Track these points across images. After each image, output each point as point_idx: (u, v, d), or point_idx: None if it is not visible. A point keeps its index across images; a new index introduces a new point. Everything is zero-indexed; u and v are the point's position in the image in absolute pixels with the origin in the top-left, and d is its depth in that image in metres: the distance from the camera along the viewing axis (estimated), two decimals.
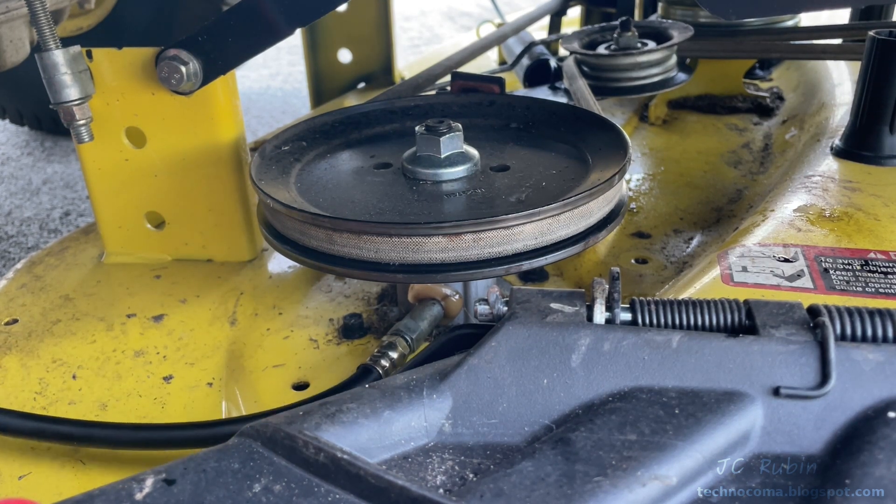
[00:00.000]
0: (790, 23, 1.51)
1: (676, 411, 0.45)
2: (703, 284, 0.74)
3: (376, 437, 0.45)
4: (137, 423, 0.74)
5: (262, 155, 0.84)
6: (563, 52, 1.57)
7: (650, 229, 1.09)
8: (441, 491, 0.43)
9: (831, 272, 0.73)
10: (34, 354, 0.84)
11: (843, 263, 0.74)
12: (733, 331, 0.49)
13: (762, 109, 1.51)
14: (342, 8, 1.65)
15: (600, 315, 0.50)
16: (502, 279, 0.92)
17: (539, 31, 1.91)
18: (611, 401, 0.46)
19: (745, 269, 0.74)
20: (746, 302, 0.50)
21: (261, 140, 1.33)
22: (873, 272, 0.73)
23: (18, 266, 1.02)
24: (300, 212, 0.71)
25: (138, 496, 0.39)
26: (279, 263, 0.99)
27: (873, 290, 0.70)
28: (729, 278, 0.73)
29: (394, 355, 0.73)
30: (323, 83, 1.76)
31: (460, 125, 0.81)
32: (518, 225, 0.68)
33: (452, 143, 0.80)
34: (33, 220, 2.00)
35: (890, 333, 0.47)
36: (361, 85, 1.77)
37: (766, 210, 0.88)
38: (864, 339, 0.47)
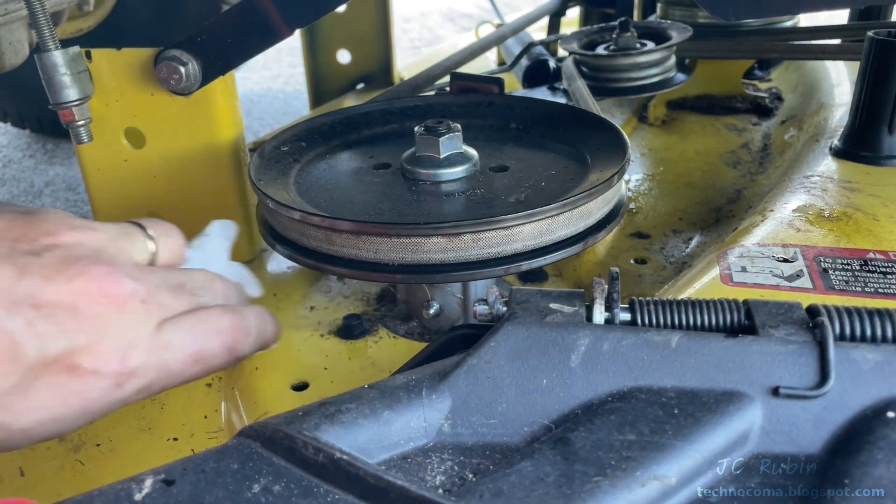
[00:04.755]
0: (789, 23, 1.51)
1: (676, 411, 0.45)
2: (703, 284, 0.74)
3: (375, 437, 0.45)
4: None
5: (261, 155, 0.84)
6: (561, 52, 1.57)
7: (649, 229, 1.09)
8: (440, 491, 0.43)
9: (830, 272, 0.73)
10: None
11: (842, 263, 0.74)
12: (732, 331, 0.49)
13: (761, 110, 1.51)
14: (341, 8, 1.65)
15: (599, 315, 0.50)
16: (501, 279, 0.92)
17: (538, 31, 1.91)
18: (610, 401, 0.46)
19: (744, 270, 0.74)
20: (746, 302, 0.50)
21: (260, 141, 1.33)
22: (872, 272, 0.73)
23: None
24: (299, 212, 0.71)
25: (137, 497, 0.39)
26: (278, 264, 0.99)
27: (872, 289, 0.70)
28: (728, 278, 0.73)
29: None
30: (322, 84, 1.76)
31: (459, 126, 0.81)
32: (517, 225, 0.68)
33: (451, 143, 0.80)
34: None
35: (889, 333, 0.47)
36: (360, 85, 1.77)
37: (765, 210, 0.88)
38: (863, 338, 0.47)
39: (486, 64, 1.82)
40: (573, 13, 1.93)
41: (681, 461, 0.42)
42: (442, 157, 0.80)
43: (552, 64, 1.34)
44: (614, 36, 1.27)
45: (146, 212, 0.98)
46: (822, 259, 0.75)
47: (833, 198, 0.88)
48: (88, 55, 0.88)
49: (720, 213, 1.13)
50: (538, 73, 1.35)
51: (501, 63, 1.72)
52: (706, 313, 0.50)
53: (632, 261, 1.01)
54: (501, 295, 0.53)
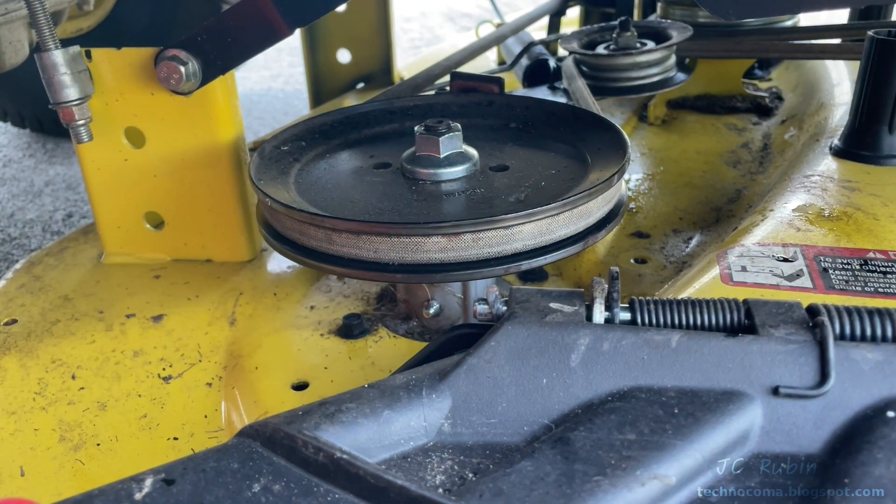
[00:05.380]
0: (789, 23, 1.51)
1: (676, 411, 0.45)
2: (703, 284, 0.74)
3: (375, 436, 0.45)
4: None
5: (261, 155, 0.84)
6: (562, 52, 1.57)
7: (649, 229, 1.09)
8: (440, 490, 0.43)
9: (830, 272, 0.73)
10: (33, 355, 0.84)
11: (842, 263, 0.74)
12: (732, 330, 0.49)
13: (761, 109, 1.51)
14: (341, 8, 1.65)
15: (599, 315, 0.50)
16: (501, 279, 0.92)
17: (538, 31, 1.91)
18: (610, 400, 0.46)
19: (744, 269, 0.74)
20: (746, 301, 0.50)
21: (260, 140, 1.33)
22: (872, 272, 0.73)
23: (17, 266, 1.02)
24: (299, 211, 0.71)
25: (137, 496, 0.39)
26: (278, 263, 0.99)
27: (872, 289, 0.70)
28: (728, 278, 0.73)
29: None
30: (322, 83, 1.76)
31: (459, 125, 0.81)
32: (517, 225, 0.68)
33: (451, 142, 0.80)
34: (36, 221, 2.00)
35: (889, 333, 0.47)
36: (360, 85, 1.77)
37: (766, 210, 0.88)
38: (863, 338, 0.47)
39: (486, 63, 1.82)
40: (573, 13, 1.93)
41: (681, 461, 0.42)
42: (442, 156, 0.79)
43: (552, 63, 1.34)
44: (614, 35, 1.27)
45: (146, 211, 0.98)
46: (822, 258, 0.75)
47: (833, 197, 0.88)
48: (88, 55, 0.88)
49: (720, 212, 1.13)
50: (538, 73, 1.35)
51: (501, 62, 1.72)
52: (706, 313, 0.50)
53: (632, 260, 1.01)
54: (501, 294, 0.53)
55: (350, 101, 1.69)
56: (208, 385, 0.80)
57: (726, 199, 1.17)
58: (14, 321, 0.90)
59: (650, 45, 1.25)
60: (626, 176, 0.78)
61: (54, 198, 2.15)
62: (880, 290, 0.70)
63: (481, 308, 0.52)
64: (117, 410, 0.77)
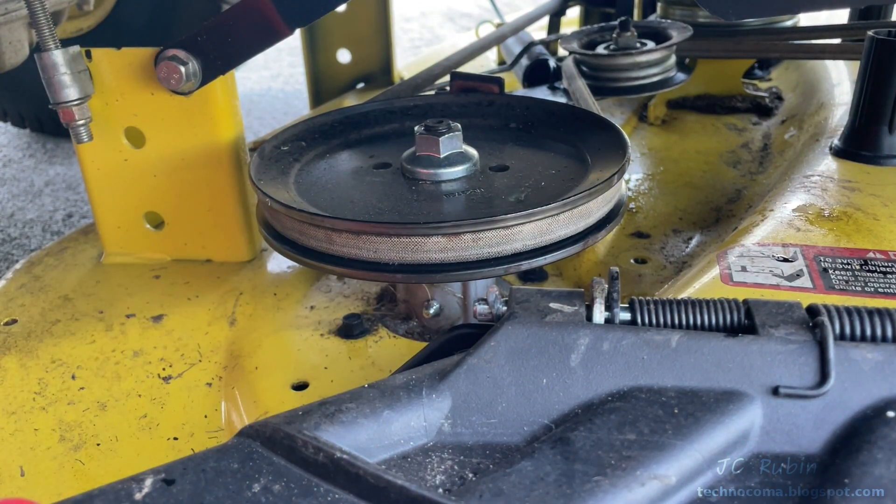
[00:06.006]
0: (789, 23, 1.51)
1: (675, 411, 0.45)
2: (703, 284, 0.74)
3: (375, 436, 0.45)
4: None
5: (261, 155, 0.84)
6: (562, 52, 1.57)
7: (649, 229, 1.09)
8: (440, 490, 0.43)
9: (830, 272, 0.73)
10: (33, 355, 0.84)
11: (842, 263, 0.74)
12: (732, 330, 0.49)
13: (761, 109, 1.51)
14: (341, 8, 1.65)
15: (599, 315, 0.50)
16: (501, 279, 0.92)
17: (538, 31, 1.91)
18: (610, 400, 0.46)
19: (744, 269, 0.74)
20: (746, 301, 0.50)
21: (260, 140, 1.33)
22: (872, 272, 0.73)
23: (17, 266, 1.02)
24: (299, 212, 0.71)
25: (137, 496, 0.39)
26: (278, 263, 0.99)
27: (872, 289, 0.70)
28: (728, 278, 0.73)
29: None
30: (322, 83, 1.76)
31: (459, 125, 0.81)
32: (517, 225, 0.68)
33: (451, 143, 0.80)
34: (36, 222, 2.00)
35: (889, 333, 0.47)
36: (360, 85, 1.77)
37: (766, 210, 0.88)
38: (863, 338, 0.47)
39: (486, 63, 1.82)
40: (573, 13, 1.93)
41: (681, 461, 0.42)
42: (442, 156, 0.80)
43: (552, 63, 1.34)
44: (614, 35, 1.27)
45: (146, 211, 0.98)
46: (822, 259, 0.75)
47: (833, 197, 0.88)
48: (88, 55, 0.88)
49: (720, 212, 1.13)
50: (538, 73, 1.35)
51: (501, 62, 1.72)
52: (706, 313, 0.50)
53: (632, 260, 1.01)
54: (501, 294, 0.53)
55: (350, 101, 1.69)
56: (208, 385, 0.80)
57: (726, 199, 1.17)
58: (14, 321, 0.90)
59: (650, 45, 1.25)
60: (626, 176, 0.78)
61: (54, 198, 2.15)
62: (880, 290, 0.70)
63: (481, 308, 0.52)
64: (117, 410, 0.77)
